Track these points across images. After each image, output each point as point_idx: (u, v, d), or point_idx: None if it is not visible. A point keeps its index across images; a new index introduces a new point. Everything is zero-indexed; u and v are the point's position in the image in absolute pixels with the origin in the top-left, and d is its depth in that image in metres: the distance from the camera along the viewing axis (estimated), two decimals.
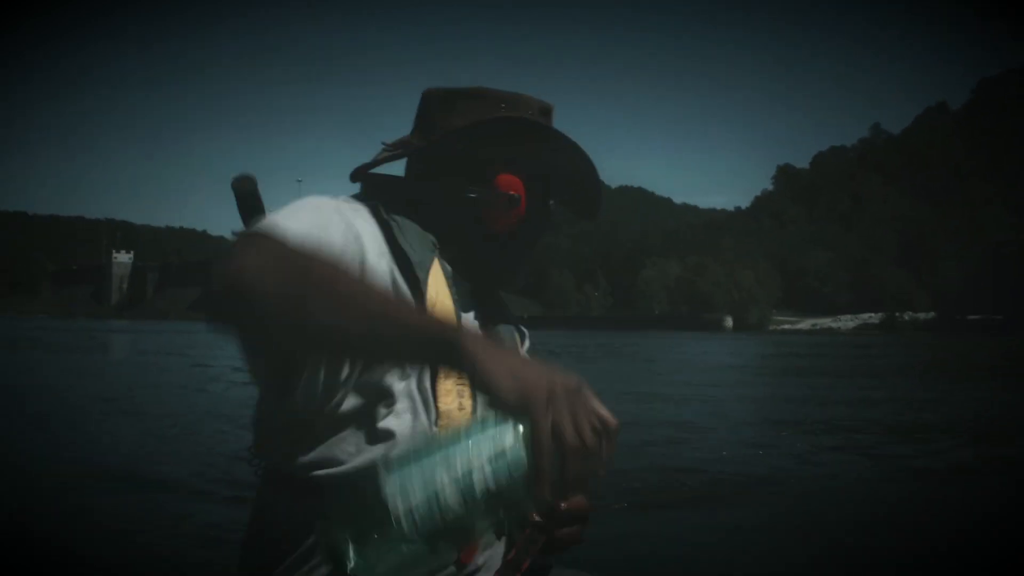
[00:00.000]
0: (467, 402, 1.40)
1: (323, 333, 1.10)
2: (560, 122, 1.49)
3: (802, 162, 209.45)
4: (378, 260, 1.35)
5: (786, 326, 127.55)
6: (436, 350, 1.08)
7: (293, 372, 1.32)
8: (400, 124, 1.85)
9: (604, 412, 1.05)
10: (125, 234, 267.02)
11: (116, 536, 5.32)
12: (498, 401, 1.03)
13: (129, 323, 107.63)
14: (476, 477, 0.99)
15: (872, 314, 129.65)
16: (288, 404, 1.34)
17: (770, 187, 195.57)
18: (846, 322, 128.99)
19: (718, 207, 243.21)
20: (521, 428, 1.01)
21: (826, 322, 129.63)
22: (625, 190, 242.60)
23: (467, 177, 1.51)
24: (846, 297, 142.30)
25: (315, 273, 1.10)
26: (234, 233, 1.19)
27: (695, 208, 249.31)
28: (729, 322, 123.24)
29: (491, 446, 1.01)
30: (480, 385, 1.05)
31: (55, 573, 4.69)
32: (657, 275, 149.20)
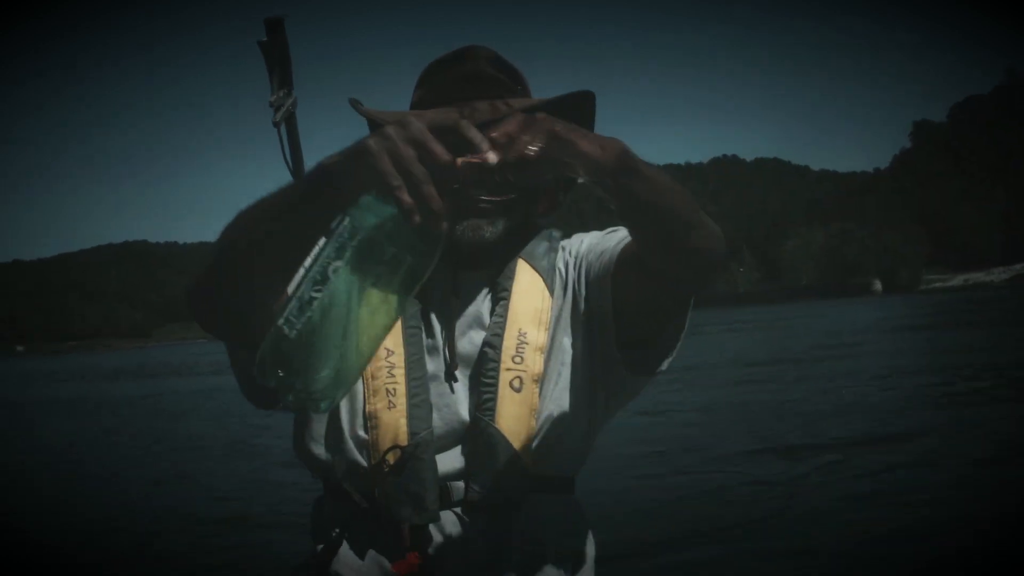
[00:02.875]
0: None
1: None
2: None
3: (939, 115, 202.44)
4: None
5: (937, 284, 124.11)
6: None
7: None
8: None
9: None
10: None
11: None
12: None
13: None
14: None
15: None
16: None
17: (908, 144, 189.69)
18: (999, 274, 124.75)
19: (858, 170, 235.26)
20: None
21: (978, 276, 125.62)
22: (761, 162, 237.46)
23: None
24: (997, 250, 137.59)
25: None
26: None
27: (834, 173, 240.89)
28: (878, 285, 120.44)
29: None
30: None
31: None
32: (802, 245, 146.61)
